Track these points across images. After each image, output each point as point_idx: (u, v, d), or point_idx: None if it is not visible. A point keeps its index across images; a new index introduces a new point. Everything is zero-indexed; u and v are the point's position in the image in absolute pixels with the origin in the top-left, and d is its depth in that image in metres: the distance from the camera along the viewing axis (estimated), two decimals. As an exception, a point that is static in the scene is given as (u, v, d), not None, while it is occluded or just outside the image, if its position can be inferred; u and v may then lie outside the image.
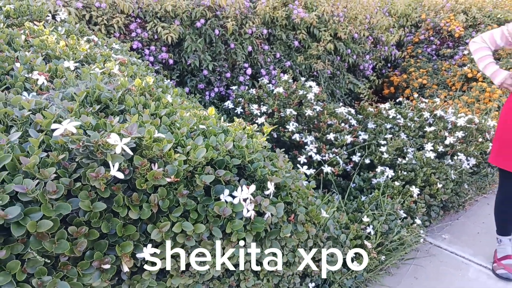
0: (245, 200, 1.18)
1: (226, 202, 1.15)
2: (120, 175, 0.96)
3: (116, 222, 1.00)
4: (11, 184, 0.85)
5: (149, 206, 1.03)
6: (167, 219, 1.06)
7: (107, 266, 0.98)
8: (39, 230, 0.86)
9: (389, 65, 5.49)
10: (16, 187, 0.85)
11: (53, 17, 2.39)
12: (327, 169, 2.78)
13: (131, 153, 0.99)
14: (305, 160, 2.79)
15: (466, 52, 4.92)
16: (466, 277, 2.41)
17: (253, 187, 1.20)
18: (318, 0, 4.09)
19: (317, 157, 2.84)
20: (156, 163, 1.04)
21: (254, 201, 1.21)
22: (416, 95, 4.28)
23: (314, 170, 2.80)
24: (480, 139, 3.00)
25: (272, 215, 1.30)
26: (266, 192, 1.27)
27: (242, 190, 1.18)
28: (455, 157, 2.86)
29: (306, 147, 2.90)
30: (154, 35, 3.23)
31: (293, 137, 2.93)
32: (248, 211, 1.19)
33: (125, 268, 1.03)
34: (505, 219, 2.38)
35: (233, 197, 1.18)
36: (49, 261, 0.94)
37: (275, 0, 3.81)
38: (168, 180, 1.02)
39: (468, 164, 2.91)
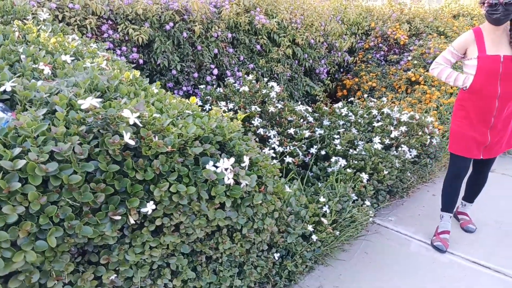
0: (226, 169, 1.44)
1: (212, 171, 1.41)
2: (132, 142, 1.19)
3: (126, 182, 1.23)
4: (49, 145, 1.06)
5: (152, 170, 1.26)
6: (166, 181, 1.30)
7: (118, 217, 1.20)
8: (70, 182, 1.07)
9: (342, 69, 5.94)
10: (53, 148, 1.05)
11: (33, 16, 2.54)
12: (288, 159, 3.09)
13: (141, 125, 1.22)
14: (269, 152, 3.08)
15: (410, 58, 5.46)
16: (408, 250, 2.79)
17: (232, 159, 1.46)
18: (278, 8, 4.43)
19: (280, 149, 3.15)
20: (157, 135, 1.27)
21: (233, 171, 1.47)
22: (366, 96, 4.73)
23: (277, 160, 3.10)
24: (420, 133, 3.45)
25: (247, 184, 1.57)
26: (243, 165, 1.54)
27: (224, 161, 1.44)
28: (399, 148, 3.27)
29: (269, 140, 3.20)
30: (125, 37, 3.41)
31: (258, 131, 3.21)
32: (228, 179, 1.46)
33: (131, 220, 1.25)
34: (452, 195, 2.80)
35: (217, 167, 1.44)
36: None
37: (238, 7, 4.10)
38: (167, 149, 1.26)
39: (411, 154, 3.34)
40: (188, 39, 3.69)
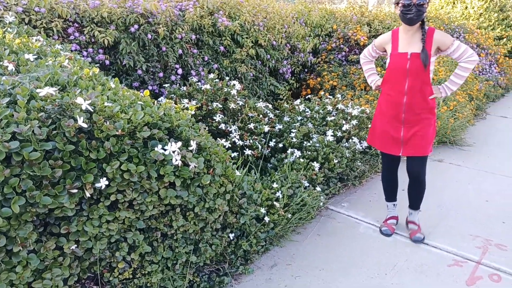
0: (174, 152, 1.65)
1: (160, 153, 1.61)
2: (85, 125, 1.38)
3: (81, 160, 1.42)
4: (11, 127, 1.24)
5: (104, 150, 1.45)
6: (117, 160, 1.50)
7: (74, 190, 1.39)
8: (31, 158, 1.26)
9: (306, 69, 6.23)
10: (15, 129, 1.24)
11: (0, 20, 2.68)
12: (248, 152, 3.32)
13: (92, 110, 1.42)
14: (230, 145, 3.30)
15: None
16: (357, 232, 3.06)
17: (179, 143, 1.67)
18: (241, 11, 4.66)
19: (240, 143, 3.37)
20: (108, 121, 1.47)
21: (181, 153, 1.68)
22: (328, 95, 5.01)
23: (237, 153, 3.33)
24: (370, 126, 3.73)
25: (195, 166, 1.79)
26: (190, 148, 1.75)
27: (171, 145, 1.65)
28: (350, 140, 3.55)
29: (230, 134, 3.42)
30: (91, 39, 3.57)
31: (219, 127, 3.43)
32: (176, 160, 1.67)
33: (87, 194, 1.44)
34: (387, 186, 3.02)
35: (165, 149, 1.64)
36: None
37: (202, 10, 4.32)
38: (117, 133, 1.46)
39: (361, 146, 3.62)
40: (153, 41, 3.87)
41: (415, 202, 2.91)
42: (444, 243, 2.88)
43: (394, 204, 3.07)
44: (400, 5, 2.41)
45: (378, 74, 2.86)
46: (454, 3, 9.87)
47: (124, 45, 3.63)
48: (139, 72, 3.73)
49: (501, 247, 2.86)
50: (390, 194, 3.03)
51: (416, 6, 2.35)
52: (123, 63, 3.67)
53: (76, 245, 1.56)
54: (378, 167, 4.01)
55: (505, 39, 9.34)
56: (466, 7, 9.67)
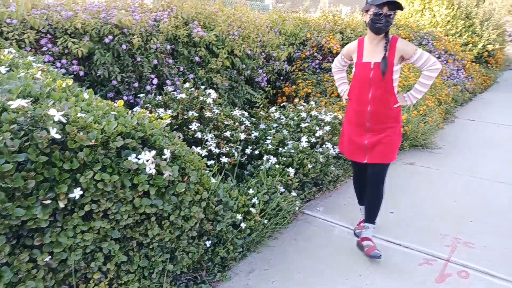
0: (147, 161, 1.68)
1: (133, 162, 1.64)
2: (58, 136, 1.40)
3: (54, 171, 1.43)
4: (-18, 140, 1.25)
5: (78, 160, 1.47)
6: (91, 170, 1.52)
7: (48, 201, 1.40)
8: (3, 170, 1.27)
9: (282, 78, 6.33)
10: (-14, 141, 1.25)
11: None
12: (224, 159, 3.36)
13: (65, 121, 1.44)
14: (206, 153, 3.33)
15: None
16: (333, 235, 3.14)
17: (153, 152, 1.70)
18: (215, 21, 4.73)
19: (216, 150, 3.41)
20: (81, 131, 1.49)
21: (155, 162, 1.71)
22: (303, 102, 5.10)
23: (214, 161, 3.36)
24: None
25: (170, 174, 1.82)
26: (164, 157, 1.78)
27: (145, 154, 1.68)
28: (324, 146, 3.64)
29: (207, 142, 3.45)
30: (64, 50, 3.55)
31: (195, 135, 3.46)
32: (150, 169, 1.70)
33: (61, 204, 1.45)
34: (357, 192, 3.11)
35: (139, 159, 1.67)
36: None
37: (177, 20, 4.36)
38: (90, 143, 1.49)
39: (334, 151, 3.71)
40: (128, 51, 3.89)
41: (371, 214, 2.85)
42: (415, 243, 2.99)
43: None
44: (370, 13, 2.42)
45: (348, 83, 2.93)
46: (422, 11, 10.23)
47: (98, 56, 3.64)
48: (114, 82, 3.73)
49: (469, 245, 2.98)
50: (362, 198, 3.10)
51: (386, 17, 2.38)
52: (98, 74, 3.67)
53: (50, 257, 1.57)
54: (351, 171, 4.10)
55: (471, 45, 9.73)
56: (434, 15, 10.04)
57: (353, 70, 2.69)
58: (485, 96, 8.50)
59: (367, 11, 2.46)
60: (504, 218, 3.35)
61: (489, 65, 10.42)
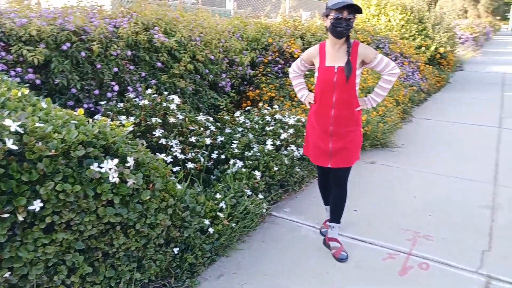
0: (110, 169, 1.66)
1: (96, 171, 1.61)
2: (14, 147, 1.35)
3: (12, 183, 1.38)
4: None
5: (37, 171, 1.43)
6: (51, 181, 1.48)
7: (6, 215, 1.35)
8: (-44, 184, 1.22)
9: (246, 82, 6.37)
10: None
11: None
12: (190, 165, 3.35)
13: (22, 132, 1.39)
14: (171, 160, 3.30)
15: (303, 69, 6.05)
16: (299, 235, 3.20)
17: (116, 160, 1.68)
18: (176, 26, 4.70)
19: (182, 156, 3.39)
20: (40, 142, 1.45)
21: (118, 170, 1.69)
22: (267, 106, 5.16)
23: (180, 167, 3.34)
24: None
25: (134, 182, 1.80)
26: (127, 164, 1.76)
27: (108, 162, 1.66)
28: (289, 148, 3.71)
29: (172, 149, 3.43)
30: (19, 58, 3.42)
31: (160, 142, 3.42)
32: (113, 177, 1.67)
33: (20, 217, 1.41)
34: (322, 193, 3.16)
35: (101, 167, 1.65)
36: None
37: (137, 26, 4.30)
38: (50, 153, 1.45)
39: (299, 153, 3.79)
40: (87, 58, 3.79)
41: (336, 214, 2.94)
42: (378, 238, 3.10)
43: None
44: (330, 18, 2.43)
45: (308, 89, 2.95)
46: (378, 16, 10.62)
47: (56, 64, 3.53)
48: (73, 90, 3.63)
49: (428, 238, 3.13)
50: (327, 199, 3.16)
51: (346, 20, 2.41)
52: (56, 82, 3.56)
53: (10, 273, 1.51)
54: (316, 172, 4.20)
55: (424, 48, 10.19)
56: (389, 20, 10.45)
57: (316, 74, 2.69)
58: (439, 96, 8.92)
59: (327, 16, 2.48)
60: (459, 211, 3.54)
61: (441, 66, 10.95)
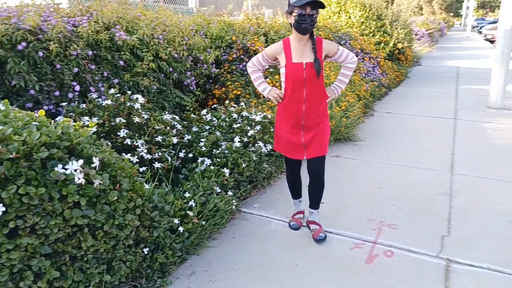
0: (75, 170, 1.63)
1: (60, 172, 1.58)
2: (-28, 151, 1.31)
3: (-29, 188, 1.34)
4: None
5: (-3, 175, 1.39)
6: (14, 184, 1.43)
7: (-34, 221, 1.30)
8: None
9: (211, 80, 6.35)
10: None
11: None
12: (157, 165, 3.32)
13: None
14: (138, 160, 3.26)
15: (267, 67, 6.11)
16: (269, 229, 3.24)
17: (81, 161, 1.65)
18: (138, 25, 4.63)
19: (148, 156, 3.35)
20: (0, 144, 1.40)
21: (83, 171, 1.66)
22: (233, 104, 5.18)
23: (146, 167, 3.30)
24: (272, 129, 3.98)
25: (100, 183, 1.77)
26: (93, 165, 1.73)
27: (72, 163, 1.62)
28: (256, 144, 3.74)
29: (137, 149, 3.38)
30: (-29, 58, 3.26)
31: (125, 142, 3.37)
32: (79, 179, 1.64)
33: (-19, 223, 1.36)
34: (292, 187, 3.23)
35: (66, 169, 1.61)
36: None
37: (97, 25, 4.20)
38: (11, 156, 1.40)
39: (266, 149, 3.83)
40: (45, 58, 3.67)
41: (315, 201, 3.08)
42: (345, 229, 3.20)
43: (299, 201, 3.30)
44: (294, 15, 2.47)
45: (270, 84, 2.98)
46: (339, 13, 10.86)
47: (12, 65, 3.39)
48: (32, 92, 3.50)
49: (392, 226, 3.26)
50: (296, 193, 3.25)
51: (310, 16, 2.45)
52: (12, 84, 3.42)
53: (-28, 281, 1.46)
54: (283, 167, 4.26)
55: (383, 44, 10.53)
56: (350, 17, 10.72)
57: (282, 71, 2.72)
58: (399, 90, 9.26)
59: (291, 13, 2.51)
60: (420, 199, 3.71)
61: (400, 61, 11.35)
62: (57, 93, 3.68)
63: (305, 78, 2.63)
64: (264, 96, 5.19)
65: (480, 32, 34.08)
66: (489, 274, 2.65)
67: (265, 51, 2.79)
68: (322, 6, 2.53)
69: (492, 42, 22.70)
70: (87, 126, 1.97)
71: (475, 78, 10.74)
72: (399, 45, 10.90)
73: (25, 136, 1.50)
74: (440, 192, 3.86)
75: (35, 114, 1.84)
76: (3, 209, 1.41)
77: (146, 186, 2.20)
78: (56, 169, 1.57)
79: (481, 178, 4.18)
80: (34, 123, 1.68)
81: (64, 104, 3.59)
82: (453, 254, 2.86)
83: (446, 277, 2.64)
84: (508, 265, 2.73)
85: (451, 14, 54.64)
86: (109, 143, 2.00)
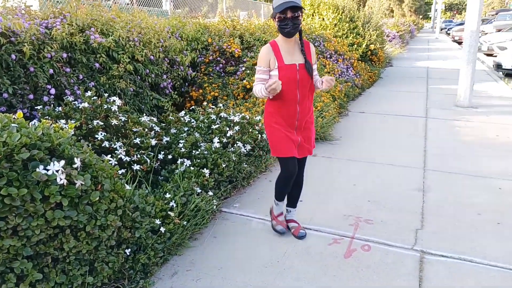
0: (57, 171, 1.63)
1: (42, 173, 1.58)
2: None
3: (-48, 190, 1.32)
4: None
5: (-22, 177, 1.38)
6: (-5, 186, 1.43)
7: None
8: None
9: (187, 83, 6.36)
10: None
11: None
12: (136, 167, 3.31)
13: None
14: (116, 162, 3.24)
15: (244, 68, 6.17)
16: (250, 228, 3.29)
17: (62, 162, 1.66)
18: (113, 27, 4.60)
19: (127, 158, 3.34)
20: (-20, 146, 1.40)
21: (65, 172, 1.67)
22: (211, 105, 5.21)
23: (125, 169, 3.29)
24: (251, 130, 4.03)
25: (82, 184, 1.78)
26: (74, 166, 1.74)
27: (54, 164, 1.63)
28: (235, 145, 3.79)
29: (116, 151, 3.36)
30: None
31: (103, 145, 3.34)
32: (61, 179, 1.65)
33: (-37, 225, 1.35)
34: (286, 191, 3.04)
35: (47, 169, 1.61)
36: None
37: (71, 27, 4.15)
38: (-8, 157, 1.40)
39: (245, 149, 3.88)
40: (18, 61, 3.60)
41: (295, 200, 3.14)
42: (323, 225, 3.28)
43: (283, 203, 3.16)
44: (277, 19, 2.51)
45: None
46: (313, 15, 11.05)
47: (-17, 68, 3.31)
48: (5, 95, 3.43)
49: (369, 221, 3.36)
50: (285, 195, 3.08)
51: (291, 20, 2.47)
52: (-16, 87, 3.34)
53: (-47, 284, 1.44)
54: (262, 167, 4.33)
55: (356, 45, 10.78)
56: (323, 19, 10.92)
57: (274, 73, 2.65)
58: (372, 91, 9.49)
59: (274, 17, 2.55)
60: (394, 195, 3.84)
61: (373, 62, 11.65)
62: (31, 96, 3.62)
63: (299, 79, 2.65)
64: (246, 98, 5.20)
65: (449, 34, 35.28)
66: (460, 264, 2.78)
67: (260, 64, 2.68)
68: (302, 8, 2.56)
69: (459, 43, 23.56)
70: (67, 127, 1.97)
71: (444, 78, 11.14)
72: (372, 47, 11.18)
73: (5, 137, 1.49)
74: (413, 188, 4.00)
75: (13, 116, 1.83)
76: (-15, 210, 1.40)
77: (127, 187, 2.21)
78: (37, 169, 1.56)
79: (452, 174, 4.36)
80: (13, 124, 1.67)
81: (39, 107, 3.53)
82: (427, 246, 2.99)
83: (421, 267, 2.75)
84: (478, 254, 2.87)
85: (421, 16, 56.33)
86: (89, 145, 2.00)
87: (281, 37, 2.63)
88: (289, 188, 2.99)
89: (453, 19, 62.81)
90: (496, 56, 13.48)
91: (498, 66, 11.88)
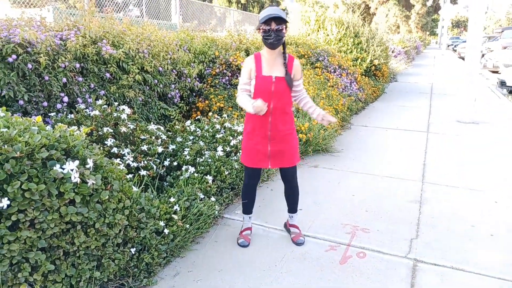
0: (72, 170, 1.79)
1: (59, 171, 1.74)
2: (-17, 149, 1.46)
3: (-20, 182, 1.48)
4: None
5: (4, 171, 1.54)
6: (18, 181, 1.58)
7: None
8: None
9: (194, 94, 6.56)
10: None
11: None
12: (143, 172, 3.47)
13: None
14: (124, 168, 3.40)
15: (249, 81, 6.35)
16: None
17: (77, 162, 1.81)
18: (124, 39, 4.81)
19: (134, 164, 3.50)
20: (6, 144, 1.56)
21: (79, 171, 1.82)
22: (216, 116, 5.38)
23: (132, 175, 3.45)
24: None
25: (93, 183, 1.93)
26: (87, 166, 1.90)
27: (69, 163, 1.79)
28: (238, 154, 3.94)
29: (124, 157, 3.52)
30: (-38, 69, 3.38)
31: (112, 151, 3.51)
32: (75, 178, 1.80)
33: (-12, 215, 1.50)
34: (247, 201, 3.18)
35: (63, 168, 1.77)
36: None
37: (84, 39, 4.36)
38: (16, 155, 1.56)
39: (248, 158, 4.03)
40: (34, 70, 3.80)
41: (293, 205, 3.23)
42: (321, 233, 3.40)
43: (249, 217, 3.30)
44: (261, 31, 2.60)
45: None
46: (318, 30, 11.30)
47: (1, 76, 3.52)
48: (21, 102, 3.63)
49: (365, 230, 3.47)
50: (248, 207, 3.24)
51: (275, 32, 2.55)
52: (2, 94, 3.54)
53: (-25, 270, 1.58)
54: (264, 176, 4.47)
55: (360, 60, 10.97)
56: (328, 34, 11.15)
57: (253, 83, 2.77)
58: (376, 105, 9.64)
59: (259, 29, 2.66)
60: (392, 206, 3.95)
61: (377, 77, 11.81)
62: (45, 104, 3.81)
63: (274, 91, 2.72)
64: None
65: (455, 50, 35.49)
66: (452, 272, 2.88)
67: (243, 74, 2.82)
68: (285, 21, 2.64)
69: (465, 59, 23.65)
70: (81, 132, 2.14)
71: (448, 94, 11.26)
72: (376, 62, 11.36)
73: (28, 138, 1.66)
74: (410, 200, 4.11)
75: (33, 119, 2.00)
76: (8, 202, 1.55)
77: (134, 189, 2.36)
78: (54, 168, 1.72)
79: (449, 187, 4.46)
80: (33, 127, 1.84)
81: (52, 114, 3.72)
82: (420, 255, 3.09)
83: (413, 275, 2.85)
84: (470, 263, 2.97)
85: (427, 32, 56.73)
86: (101, 148, 2.16)
87: (266, 49, 2.71)
88: (251, 199, 3.16)
89: (460, 35, 63.16)
90: (500, 73, 13.61)
91: (502, 83, 11.99)
